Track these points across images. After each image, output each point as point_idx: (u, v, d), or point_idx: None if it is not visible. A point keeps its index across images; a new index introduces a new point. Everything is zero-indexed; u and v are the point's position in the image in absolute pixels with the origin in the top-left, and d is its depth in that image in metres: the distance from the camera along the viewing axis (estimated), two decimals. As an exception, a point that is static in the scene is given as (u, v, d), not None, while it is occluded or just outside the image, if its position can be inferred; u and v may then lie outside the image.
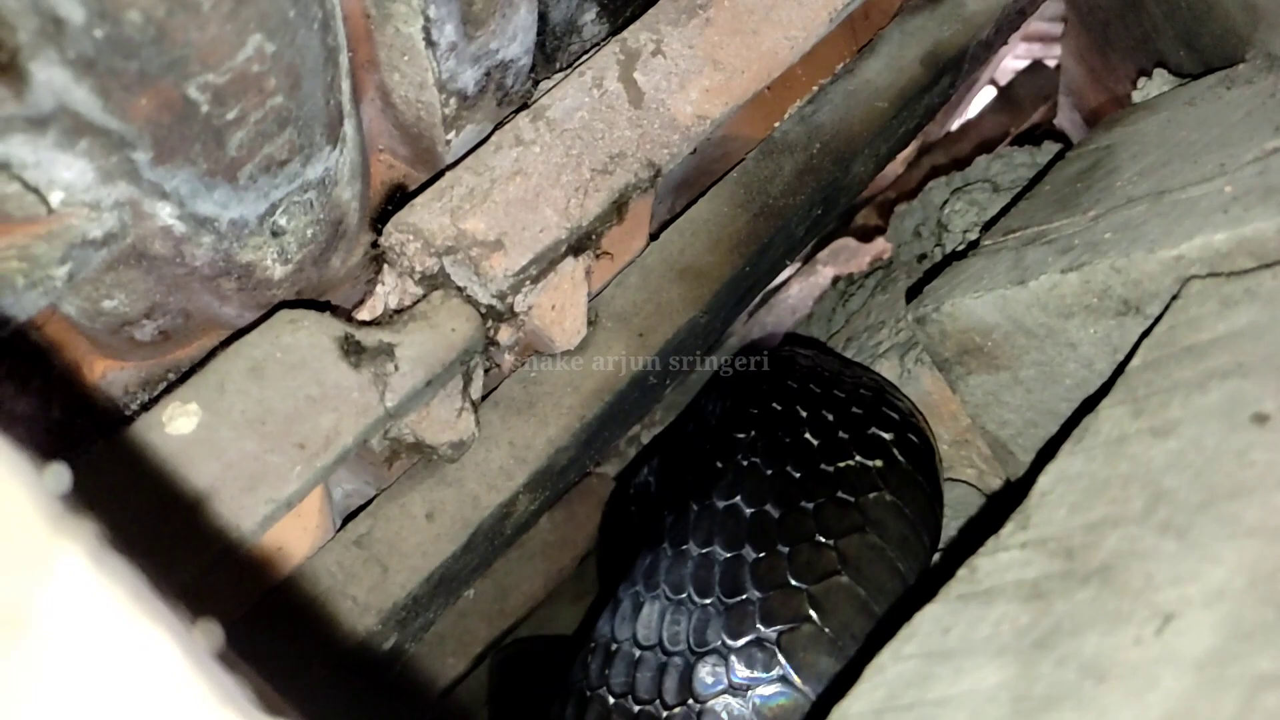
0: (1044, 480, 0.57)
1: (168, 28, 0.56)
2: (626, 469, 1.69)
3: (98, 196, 0.65)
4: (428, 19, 0.74)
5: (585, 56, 0.91)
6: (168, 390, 0.83)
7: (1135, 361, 0.62)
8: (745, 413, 0.99)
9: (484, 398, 0.91)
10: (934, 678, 0.49)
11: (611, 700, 0.87)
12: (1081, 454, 0.57)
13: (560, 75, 0.90)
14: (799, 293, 1.84)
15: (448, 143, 0.87)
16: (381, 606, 0.82)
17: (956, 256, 0.94)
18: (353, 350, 0.73)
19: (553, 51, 0.93)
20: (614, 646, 0.89)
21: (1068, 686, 0.43)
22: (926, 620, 0.53)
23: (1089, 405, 0.78)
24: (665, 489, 1.45)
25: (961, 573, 0.55)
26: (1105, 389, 0.76)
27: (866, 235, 1.92)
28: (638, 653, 0.88)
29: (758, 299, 1.64)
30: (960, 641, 0.50)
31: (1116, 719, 0.40)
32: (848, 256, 1.87)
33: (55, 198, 0.63)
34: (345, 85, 0.77)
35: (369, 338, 0.74)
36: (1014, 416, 0.86)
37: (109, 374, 0.83)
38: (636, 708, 0.86)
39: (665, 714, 0.84)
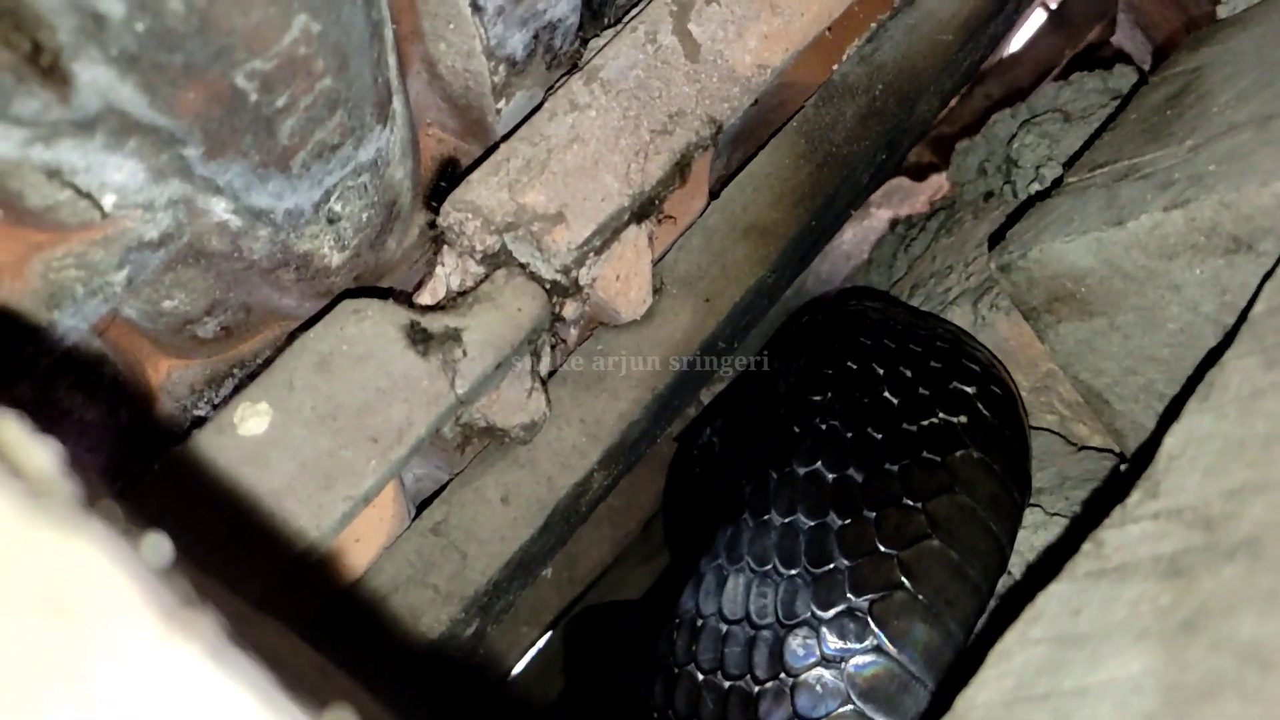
0: (1171, 442, 0.53)
1: (211, 15, 0.53)
2: (688, 429, 1.67)
3: (151, 197, 0.63)
4: (471, -19, 0.71)
5: (635, 10, 0.87)
6: (236, 389, 0.81)
7: (1259, 307, 0.57)
8: (820, 374, 0.95)
9: (551, 374, 0.88)
10: (1068, 664, 0.46)
11: (701, 677, 0.85)
12: (1210, 412, 0.53)
13: (610, 32, 0.86)
14: (853, 238, 1.78)
15: (498, 112, 0.84)
16: (464, 594, 0.81)
17: (1038, 197, 0.89)
18: (419, 338, 0.70)
19: (600, 6, 0.88)
20: (700, 622, 0.87)
21: (1226, 675, 0.40)
22: (1053, 601, 0.50)
23: (1199, 352, 0.74)
24: (730, 450, 1.42)
25: (1087, 547, 0.52)
26: (1221, 336, 0.71)
27: (920, 173, 1.85)
28: (725, 627, 0.86)
29: (815, 248, 1.59)
30: (1094, 624, 0.47)
31: (1292, 713, 0.37)
32: (902, 197, 1.81)
33: (108, 201, 0.61)
34: (392, 60, 0.74)
35: (434, 324, 0.72)
36: (1110, 365, 0.82)
37: (174, 374, 0.82)
38: (727, 684, 0.84)
39: (757, 689, 0.82)
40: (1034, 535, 0.94)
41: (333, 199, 0.73)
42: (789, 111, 1.00)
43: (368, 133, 0.72)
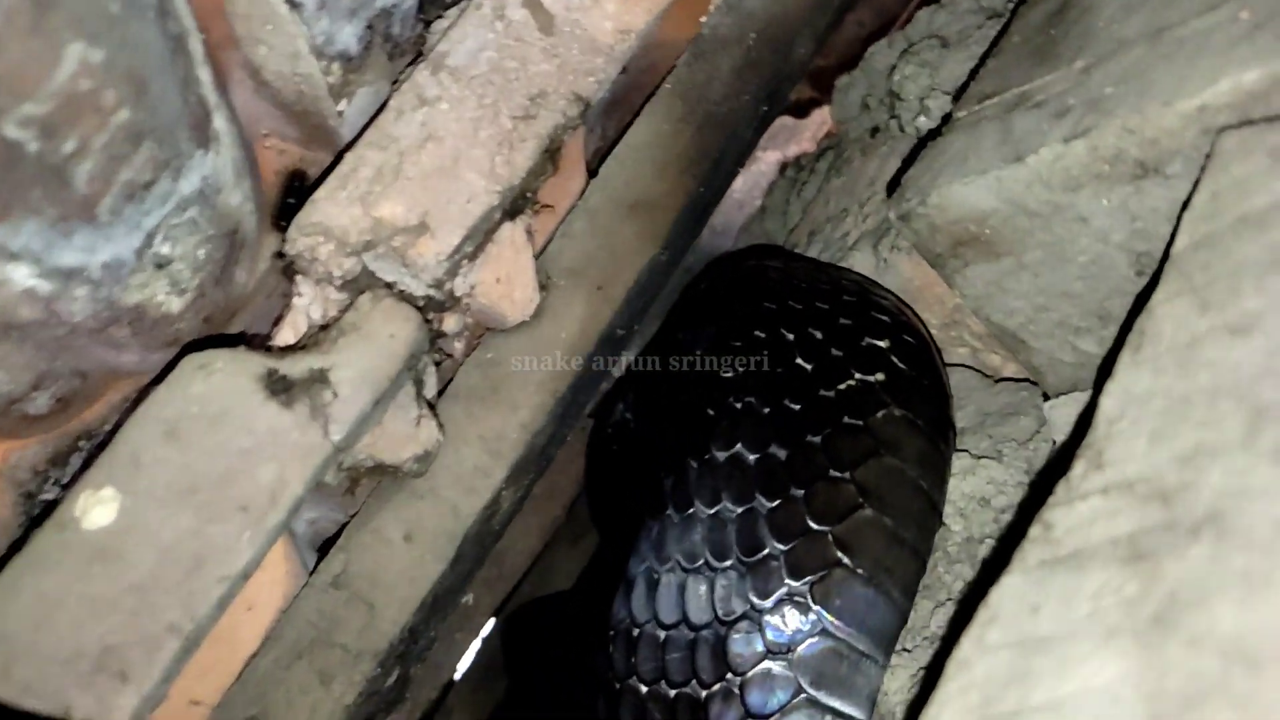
0: (1108, 404, 0.49)
1: (-51, 61, 0.44)
2: (601, 405, 1.61)
3: (-73, 274, 0.53)
4: (280, -23, 0.62)
5: (477, -19, 0.79)
6: (85, 463, 0.72)
7: (1180, 242, 0.53)
8: (728, 348, 0.90)
9: (441, 392, 0.81)
10: (1034, 674, 0.42)
11: (644, 689, 0.80)
12: (1146, 366, 0.49)
13: (454, 11, 0.77)
14: (744, 185, 1.73)
15: (340, 114, 0.75)
16: (376, 648, 0.74)
17: (930, 136, 0.85)
18: (279, 387, 0.62)
19: (437, -16, 0.80)
20: (635, 631, 0.81)
21: (1212, 678, 0.36)
22: (1008, 598, 0.46)
23: (1113, 284, 0.70)
24: (646, 427, 1.37)
25: (1035, 531, 0.48)
26: (1135, 264, 0.68)
27: (802, 110, 1.80)
28: (662, 633, 0.81)
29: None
30: (1056, 623, 0.43)
31: (1292, 721, 0.33)
32: (787, 137, 1.76)
33: None
34: (204, 74, 0.64)
35: (295, 367, 0.64)
36: (1022, 304, 0.78)
37: (11, 457, 0.72)
38: (673, 692, 0.79)
39: (705, 693, 0.78)
40: (963, 482, 0.91)
41: (157, 241, 0.64)
42: (661, 73, 0.93)
43: (187, 161, 0.63)
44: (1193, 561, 0.40)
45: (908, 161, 0.83)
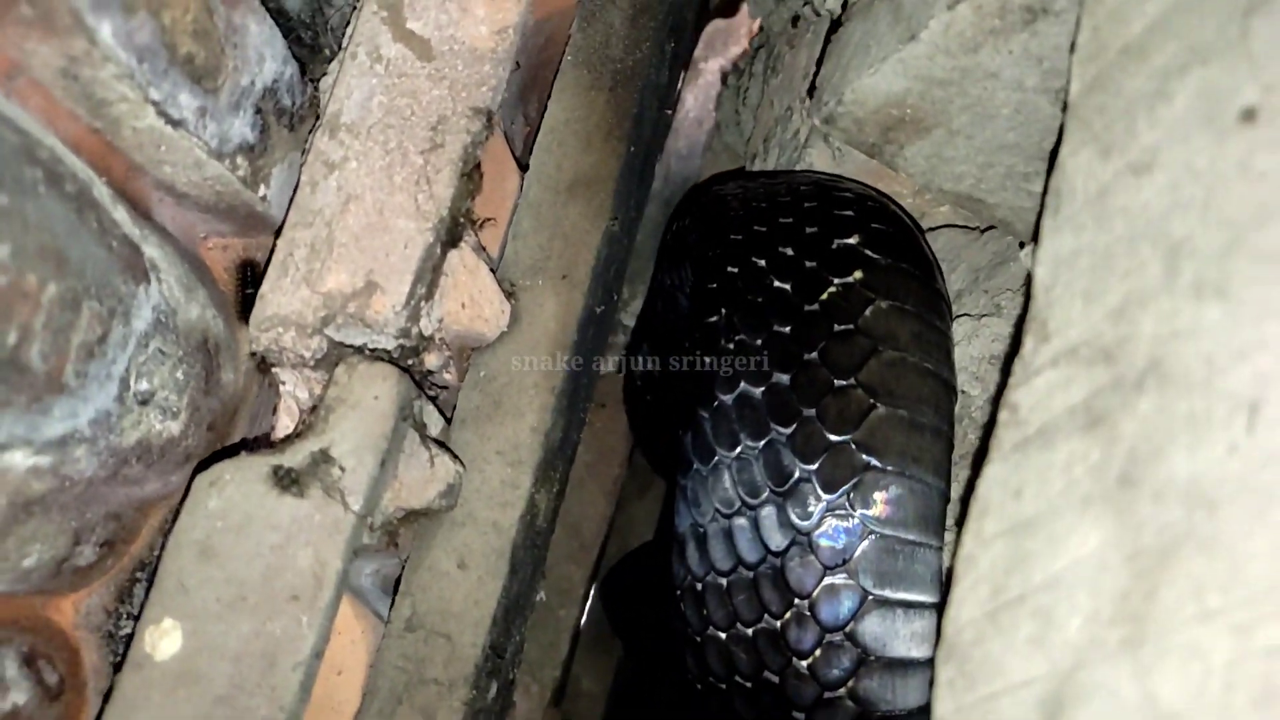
0: (1041, 273, 0.50)
1: None
2: (625, 357, 1.63)
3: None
4: (156, 103, 0.63)
5: (349, 26, 0.79)
6: (148, 588, 0.77)
7: (1074, 88, 0.53)
8: (707, 292, 0.91)
9: (448, 420, 0.84)
10: (1030, 557, 0.44)
11: (723, 635, 0.83)
12: (1067, 225, 0.49)
13: (335, 63, 0.78)
14: (695, 102, 1.71)
15: (265, 198, 0.77)
16: (466, 674, 0.78)
17: (838, 23, 0.84)
18: (287, 480, 0.65)
19: (313, 40, 0.80)
20: (699, 586, 0.84)
21: (1178, 528, 0.38)
22: (993, 487, 0.48)
23: (1044, 123, 0.70)
24: (668, 375, 1.40)
25: (1003, 416, 0.49)
26: (1058, 101, 0.67)
27: (729, 8, 1.76)
28: (724, 581, 0.84)
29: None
30: (1039, 503, 0.44)
31: (1254, 555, 0.34)
32: (723, 40, 1.73)
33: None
34: (119, 213, 0.66)
35: (297, 457, 0.67)
36: (965, 167, 0.78)
37: (81, 606, 0.77)
38: (750, 630, 0.82)
39: (779, 623, 0.81)
40: (970, 346, 0.92)
41: (134, 381, 0.67)
42: (561, 41, 0.93)
43: (132, 301, 0.66)
44: (1142, 415, 0.41)
45: (821, 56, 0.82)
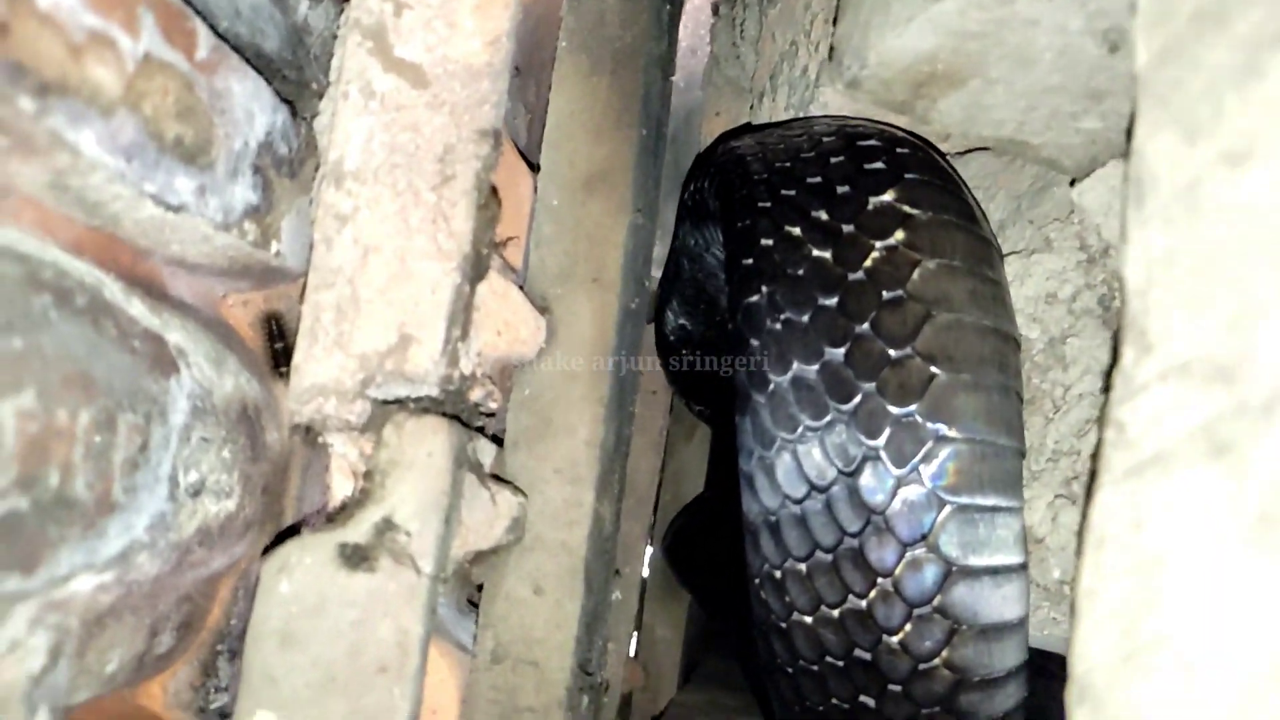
0: (1132, 275, 0.46)
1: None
2: (656, 306, 1.59)
3: (12, 636, 0.55)
4: (153, 195, 0.59)
5: (334, 57, 0.74)
6: (231, 657, 0.76)
7: (1141, 56, 0.48)
8: (742, 269, 0.87)
9: (499, 443, 0.82)
10: (1162, 597, 0.41)
11: (809, 619, 0.82)
12: (1155, 220, 0.45)
13: (327, 101, 0.73)
14: (687, 30, 1.63)
15: (278, 254, 0.73)
16: (557, 696, 0.78)
17: (842, -25, 0.78)
18: (356, 555, 0.64)
19: (298, 76, 0.75)
20: (778, 573, 0.83)
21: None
22: (1109, 517, 0.45)
23: (1091, 61, 0.64)
24: (698, 323, 1.37)
25: (1110, 435, 0.46)
26: (1105, 43, 0.62)
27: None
28: (802, 566, 0.82)
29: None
30: (1164, 539, 0.42)
31: None
32: (708, -38, 1.64)
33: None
34: (135, 308, 0.63)
35: (360, 530, 0.65)
36: (1006, 113, 0.73)
37: (169, 687, 0.77)
38: (835, 612, 0.81)
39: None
40: (1023, 287, 0.88)
41: (182, 477, 0.65)
42: (555, 27, 0.87)
43: (165, 398, 0.63)
44: (1275, 447, 0.38)
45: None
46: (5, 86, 0.48)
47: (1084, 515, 0.47)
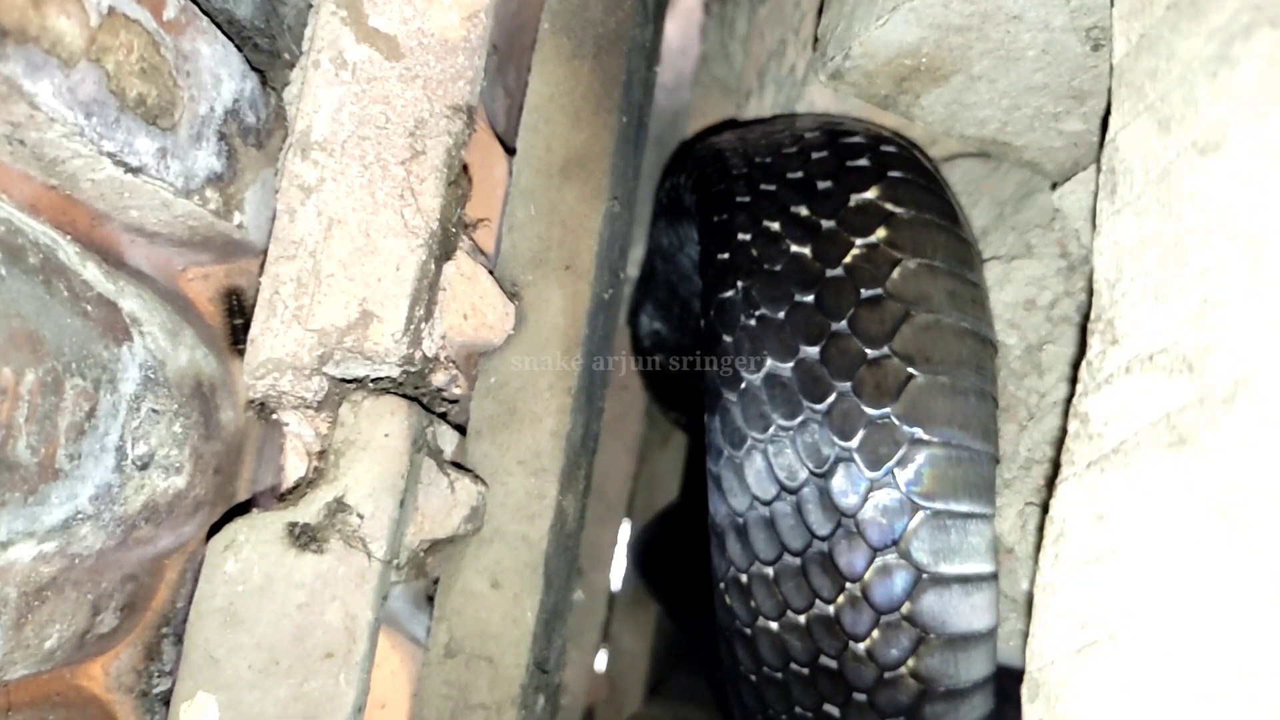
0: (1102, 265, 0.45)
1: None
2: (631, 309, 1.58)
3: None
4: (111, 154, 0.57)
5: (306, 27, 0.72)
6: (177, 640, 0.74)
7: (1119, 50, 0.47)
8: (717, 264, 0.85)
9: (462, 431, 0.80)
10: (1120, 591, 0.40)
11: (774, 625, 0.81)
12: (1127, 210, 0.44)
13: (298, 71, 0.72)
14: (677, 30, 1.63)
15: (241, 225, 0.71)
16: (511, 694, 0.76)
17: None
18: (305, 535, 0.62)
19: (270, 45, 0.74)
20: (744, 578, 0.81)
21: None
22: (1070, 508, 0.44)
23: (1074, 62, 0.64)
24: (671, 333, 1.36)
25: (1073, 427, 0.44)
26: (1088, 42, 0.61)
27: (706, -73, 1.66)
28: (769, 570, 0.80)
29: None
30: (1124, 532, 0.41)
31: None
32: (701, -37, 1.64)
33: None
34: (90, 272, 0.62)
35: (311, 509, 0.63)
36: (989, 111, 0.72)
37: (110, 669, 0.74)
38: (802, 617, 0.79)
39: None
40: (1002, 292, 0.87)
41: (130, 448, 0.63)
42: (538, 10, 0.86)
43: (116, 365, 0.61)
44: (1235, 436, 0.37)
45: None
46: (-49, 27, 0.46)
47: (1044, 509, 0.45)
